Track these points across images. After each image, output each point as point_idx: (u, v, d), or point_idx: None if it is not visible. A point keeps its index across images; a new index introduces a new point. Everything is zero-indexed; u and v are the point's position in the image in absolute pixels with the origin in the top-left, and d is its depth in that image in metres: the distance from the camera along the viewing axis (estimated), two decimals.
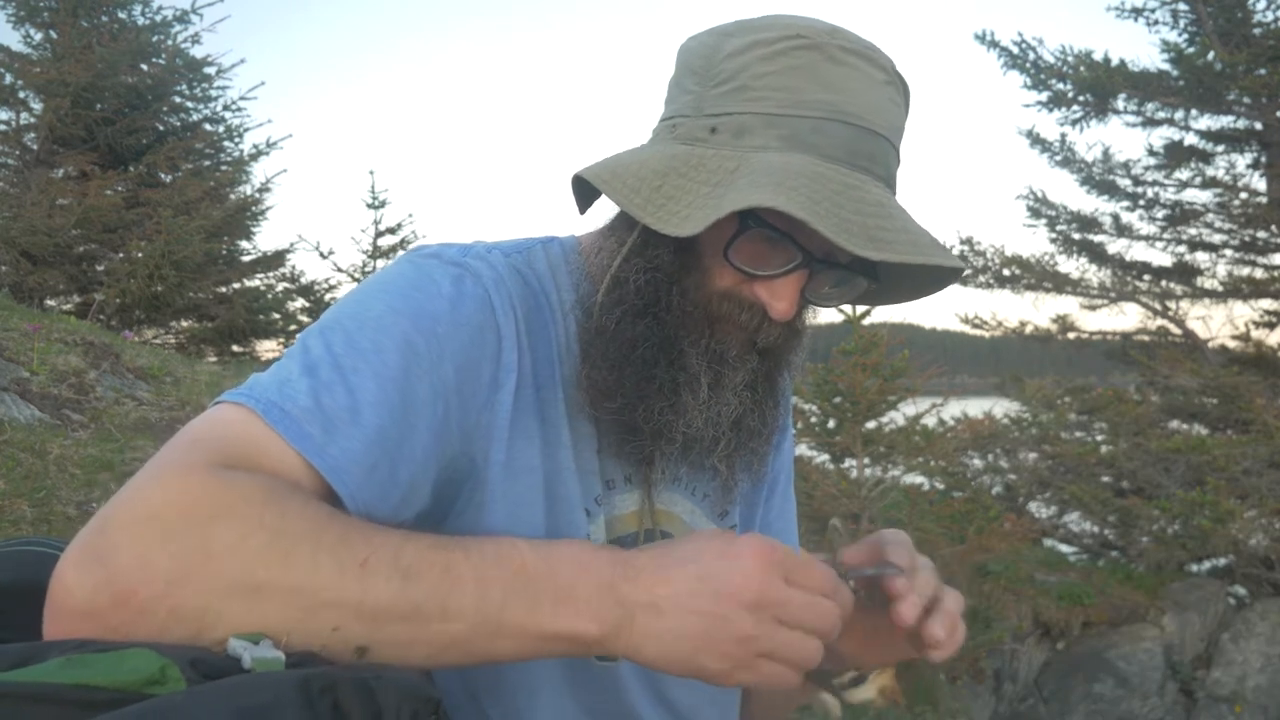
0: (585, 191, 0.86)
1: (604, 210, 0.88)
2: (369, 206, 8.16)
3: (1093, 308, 9.74)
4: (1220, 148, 9.09)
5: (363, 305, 0.75)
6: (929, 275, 0.87)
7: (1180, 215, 9.35)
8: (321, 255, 8.42)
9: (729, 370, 0.81)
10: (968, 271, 9.59)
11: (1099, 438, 8.47)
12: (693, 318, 0.80)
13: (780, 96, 0.76)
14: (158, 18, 7.81)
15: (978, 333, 10.20)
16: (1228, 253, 9.43)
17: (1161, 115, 8.81)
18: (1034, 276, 9.41)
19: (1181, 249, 9.58)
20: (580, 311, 0.84)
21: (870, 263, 0.82)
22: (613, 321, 0.80)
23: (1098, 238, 9.66)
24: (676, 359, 0.79)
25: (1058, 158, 9.35)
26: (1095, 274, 9.67)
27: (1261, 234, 8.94)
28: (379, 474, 0.68)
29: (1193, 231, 9.43)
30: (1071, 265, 9.70)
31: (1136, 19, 9.17)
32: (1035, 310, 14.47)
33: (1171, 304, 9.44)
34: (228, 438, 0.65)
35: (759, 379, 0.85)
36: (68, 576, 0.55)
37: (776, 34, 0.78)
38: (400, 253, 0.85)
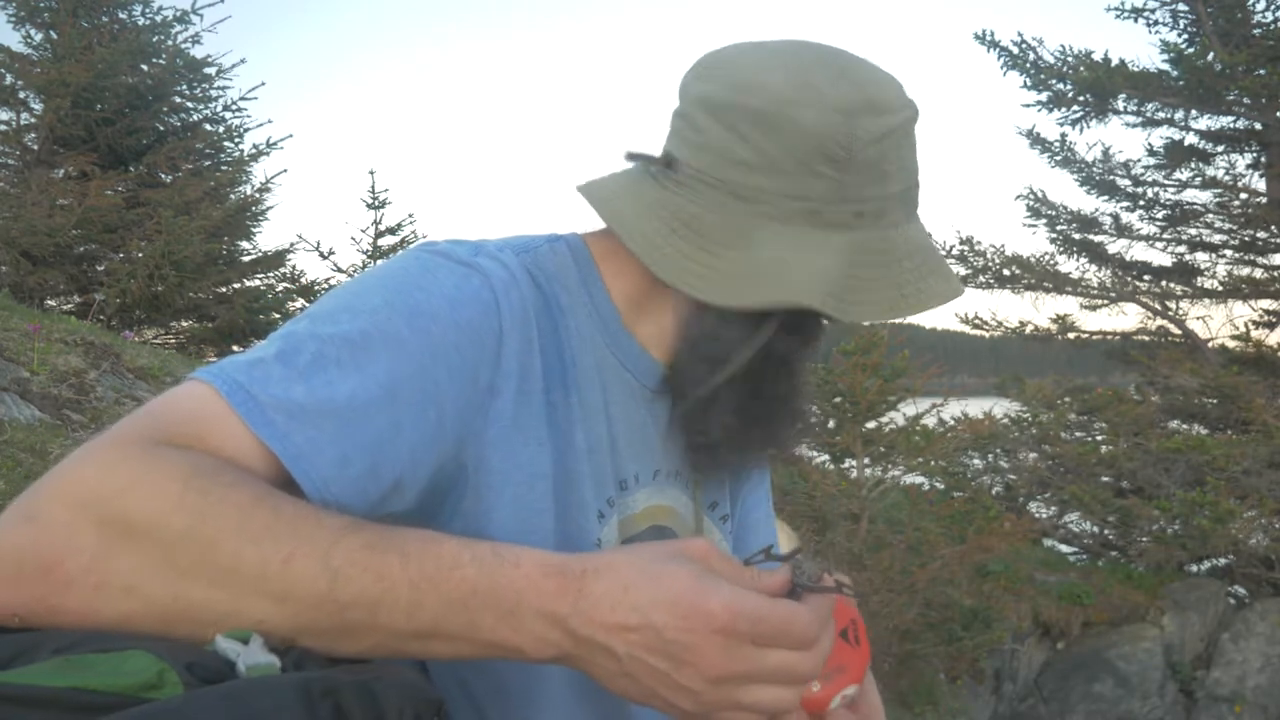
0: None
1: (595, 210, 0.84)
2: (369, 206, 8.15)
3: (1093, 308, 9.74)
4: (1220, 148, 9.09)
5: (358, 297, 0.72)
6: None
7: (1180, 215, 9.35)
8: (321, 255, 8.41)
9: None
10: (966, 272, 9.59)
11: (1099, 438, 8.47)
12: (807, 374, 0.88)
13: (904, 172, 0.81)
14: (158, 18, 7.80)
15: (978, 333, 10.21)
16: (1228, 253, 9.44)
17: (1161, 115, 8.81)
18: (1034, 276, 9.42)
19: (1181, 249, 9.59)
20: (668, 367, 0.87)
21: None
22: (744, 390, 0.84)
23: (1098, 238, 9.67)
24: (796, 409, 0.87)
25: (1058, 158, 9.35)
26: (1095, 274, 9.68)
27: (1261, 234, 8.94)
28: (353, 469, 0.65)
29: (1193, 231, 9.44)
30: (1071, 265, 9.72)
31: (1136, 19, 9.17)
32: (1035, 310, 14.45)
33: (1171, 304, 9.45)
34: (182, 415, 0.63)
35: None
36: None
37: (900, 114, 0.79)
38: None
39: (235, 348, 8.24)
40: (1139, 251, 17.60)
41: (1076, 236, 9.69)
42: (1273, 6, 8.25)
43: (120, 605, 0.55)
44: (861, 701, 0.74)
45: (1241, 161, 9.10)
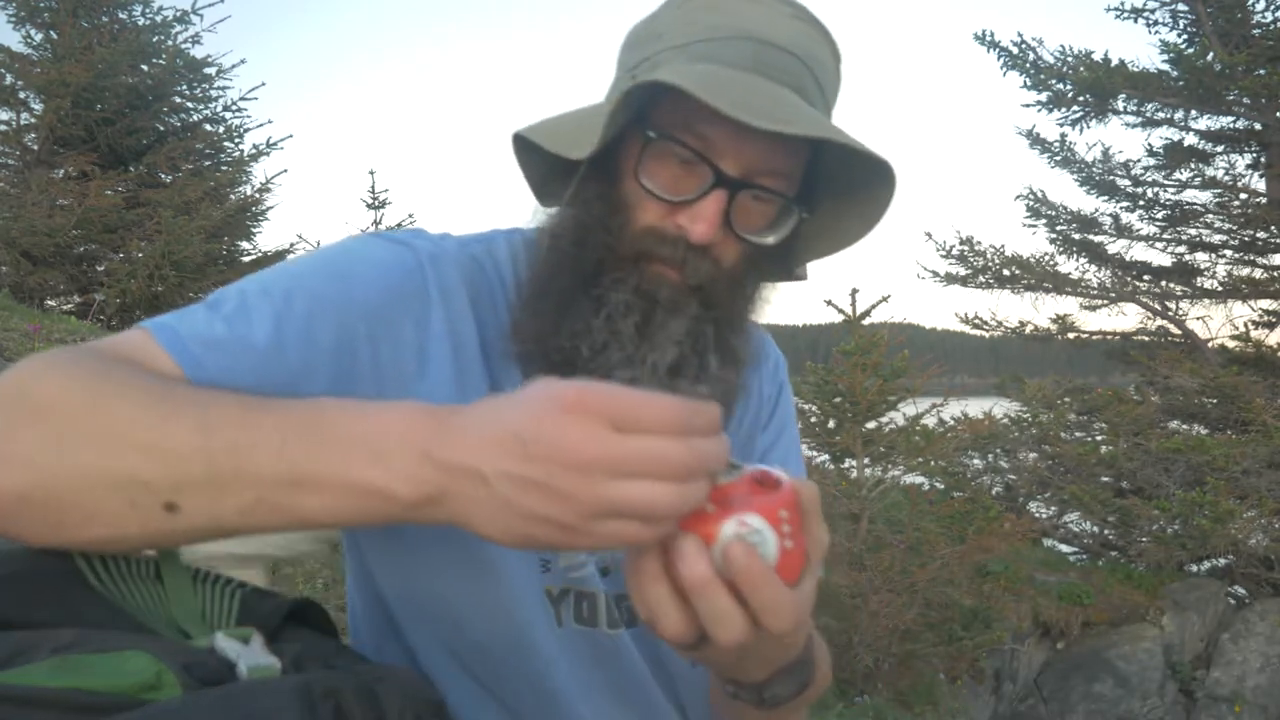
0: (537, 177, 0.90)
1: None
2: (369, 207, 8.15)
3: (1093, 308, 9.74)
4: (1220, 148, 9.09)
5: (289, 263, 0.79)
6: (867, 199, 0.83)
7: (1180, 215, 9.35)
8: None
9: (661, 312, 0.79)
10: (966, 272, 9.59)
11: (1099, 438, 8.46)
12: (618, 255, 0.80)
13: (688, 31, 0.81)
14: (158, 18, 7.81)
15: (978, 333, 10.20)
16: (1227, 253, 9.44)
17: (1161, 115, 8.81)
18: (1034, 276, 9.42)
19: (1181, 249, 9.59)
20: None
21: (800, 190, 0.84)
22: (540, 265, 0.83)
23: (1097, 238, 9.67)
24: (595, 292, 0.79)
25: (1058, 158, 9.35)
26: (1095, 274, 9.68)
27: (1261, 234, 8.94)
28: None
29: (1192, 232, 9.44)
30: (1071, 265, 9.71)
31: (1136, 20, 9.17)
32: (1035, 310, 14.43)
33: (1171, 304, 9.45)
34: (113, 346, 0.69)
35: (701, 328, 0.82)
36: None
37: None
38: None
39: None
40: (1139, 251, 17.61)
41: (1076, 236, 9.68)
42: (1273, 6, 8.25)
43: (18, 479, 0.58)
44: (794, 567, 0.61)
45: (1241, 161, 9.11)
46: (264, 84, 8.66)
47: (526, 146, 0.85)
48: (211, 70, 8.08)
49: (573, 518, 0.54)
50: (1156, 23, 9.12)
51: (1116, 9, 9.14)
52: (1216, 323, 17.98)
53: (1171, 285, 9.50)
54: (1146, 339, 9.60)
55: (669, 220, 0.79)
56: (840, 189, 0.85)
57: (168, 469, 0.58)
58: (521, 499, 0.55)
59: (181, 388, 0.64)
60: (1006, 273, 9.50)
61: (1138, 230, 9.58)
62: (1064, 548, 8.09)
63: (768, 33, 0.79)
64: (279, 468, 0.58)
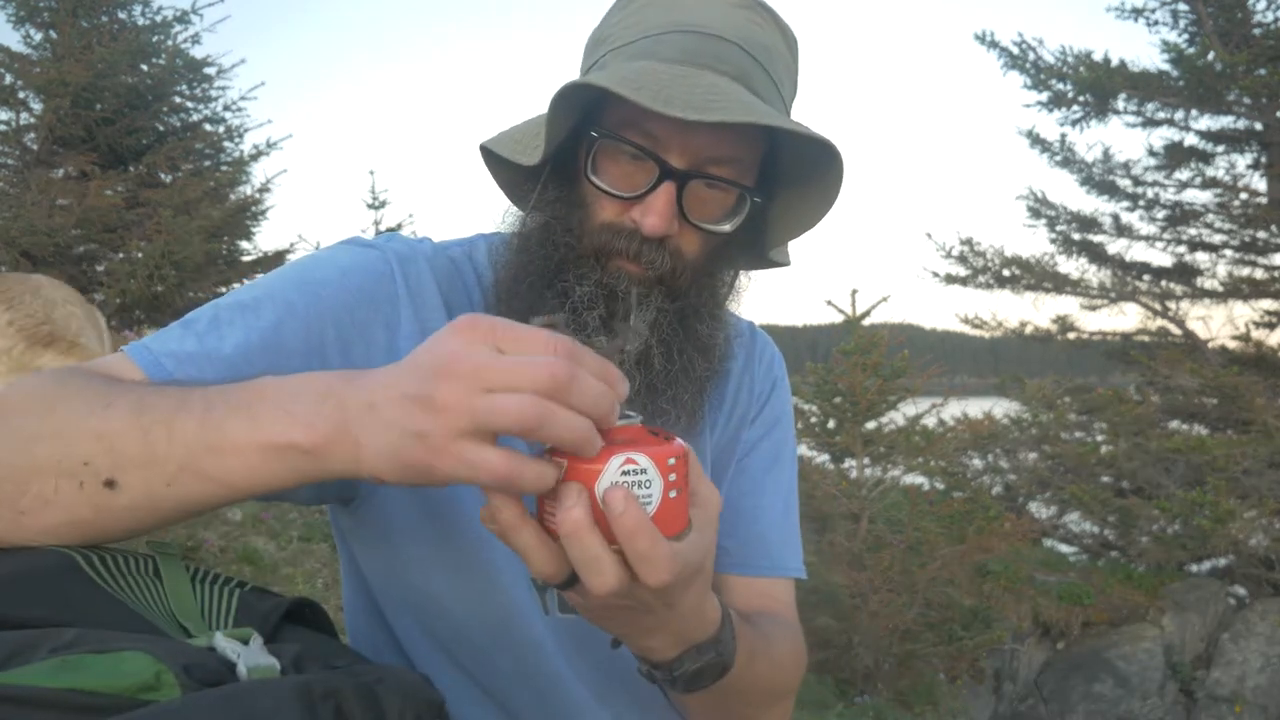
0: (508, 183, 0.93)
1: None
2: (369, 207, 8.16)
3: (1093, 308, 9.73)
4: (1220, 148, 9.08)
5: (264, 277, 0.83)
6: (823, 181, 0.83)
7: (1180, 215, 9.34)
8: None
9: (623, 304, 0.81)
10: (966, 273, 9.58)
11: (1099, 438, 8.46)
12: (578, 252, 0.83)
13: (630, 32, 0.84)
14: (158, 18, 7.80)
15: (978, 333, 10.19)
16: (1228, 253, 9.43)
17: (1161, 115, 8.80)
18: (1034, 277, 9.41)
19: (1181, 249, 9.57)
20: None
21: (761, 177, 0.86)
22: (510, 266, 0.86)
23: (1098, 238, 9.66)
24: (560, 289, 0.82)
25: (1058, 158, 9.34)
26: (1095, 274, 9.66)
27: (1261, 234, 8.93)
28: None
29: (1193, 232, 9.43)
30: (1071, 265, 9.70)
31: (1136, 19, 9.17)
32: (1035, 310, 14.41)
33: (1171, 304, 9.43)
34: (94, 366, 0.73)
35: (666, 319, 0.83)
36: None
37: None
38: None
39: None
40: (1139, 251, 17.61)
41: (1076, 237, 9.68)
42: (1273, 6, 8.25)
43: None
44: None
45: (1241, 161, 9.10)
46: (264, 84, 8.67)
47: (493, 155, 0.89)
48: (211, 70, 8.07)
49: (441, 432, 0.53)
50: (1157, 22, 9.12)
51: (1117, 9, 9.14)
52: (1217, 323, 17.99)
53: (1172, 285, 9.49)
54: (1146, 339, 9.58)
55: (624, 216, 0.82)
56: (799, 174, 0.86)
57: (107, 449, 0.61)
58: (400, 415, 0.55)
59: (127, 383, 0.66)
60: (1006, 273, 9.49)
61: (1138, 230, 9.57)
62: (1064, 548, 8.10)
63: (707, 24, 0.81)
64: (200, 436, 0.60)
